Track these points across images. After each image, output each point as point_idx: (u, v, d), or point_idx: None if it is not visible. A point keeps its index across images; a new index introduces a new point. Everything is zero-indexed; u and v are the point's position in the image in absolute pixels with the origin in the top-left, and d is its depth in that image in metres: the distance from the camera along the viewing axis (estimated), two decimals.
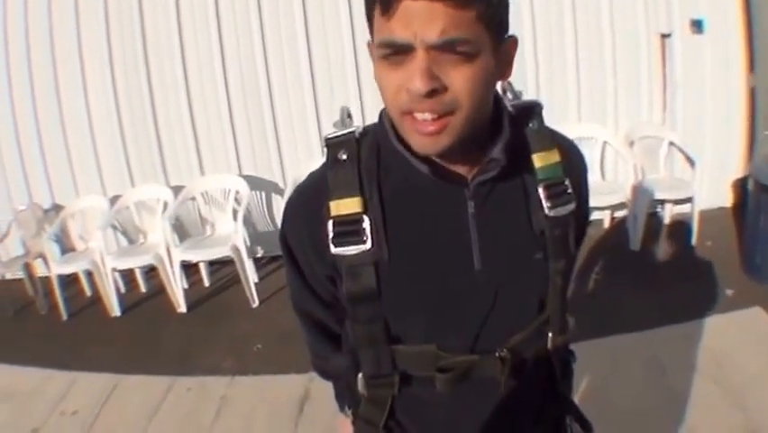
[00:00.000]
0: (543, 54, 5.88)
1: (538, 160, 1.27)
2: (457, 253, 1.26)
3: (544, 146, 1.29)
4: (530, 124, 1.29)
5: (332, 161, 1.26)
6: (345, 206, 1.22)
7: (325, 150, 1.28)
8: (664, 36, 5.96)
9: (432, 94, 1.05)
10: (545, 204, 1.26)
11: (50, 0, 5.57)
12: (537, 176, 1.27)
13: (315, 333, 1.55)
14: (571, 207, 1.29)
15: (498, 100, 1.25)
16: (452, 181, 1.22)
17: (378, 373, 1.33)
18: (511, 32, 1.18)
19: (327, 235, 1.23)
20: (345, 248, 1.22)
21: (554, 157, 1.29)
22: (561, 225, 1.29)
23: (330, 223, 1.23)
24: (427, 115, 1.08)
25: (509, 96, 1.30)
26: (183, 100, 5.70)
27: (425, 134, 1.10)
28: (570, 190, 1.29)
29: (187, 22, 5.59)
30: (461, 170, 1.24)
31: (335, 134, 1.29)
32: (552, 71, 5.93)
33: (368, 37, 1.17)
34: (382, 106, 1.23)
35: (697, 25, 5.94)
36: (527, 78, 5.83)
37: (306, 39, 5.62)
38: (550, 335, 1.39)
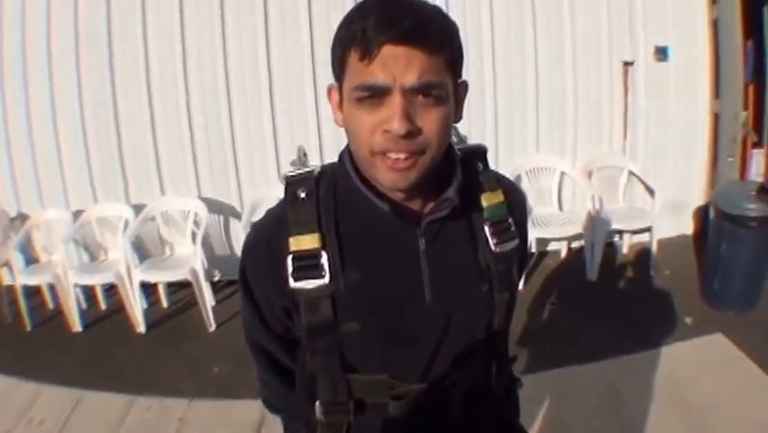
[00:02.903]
0: (502, 83, 5.86)
1: (485, 200, 1.39)
2: (409, 287, 1.33)
3: (490, 187, 1.41)
4: (476, 167, 1.41)
5: (291, 198, 1.32)
6: (304, 241, 1.29)
7: (285, 187, 1.35)
8: (627, 64, 5.93)
9: (408, 135, 1.14)
10: (491, 241, 1.37)
11: (23, 21, 5.57)
12: (484, 215, 1.38)
13: (265, 366, 1.60)
14: (515, 243, 1.41)
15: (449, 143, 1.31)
16: (407, 219, 1.30)
17: (334, 401, 1.39)
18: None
19: (287, 270, 1.29)
20: (304, 282, 1.28)
21: (499, 197, 1.41)
22: (505, 259, 1.40)
23: (290, 258, 1.29)
24: (401, 155, 1.16)
25: (455, 139, 1.37)
26: (147, 120, 5.69)
27: (397, 170, 1.18)
28: (513, 228, 1.42)
29: (153, 49, 5.60)
30: (416, 208, 1.32)
31: (294, 173, 1.37)
32: (511, 101, 5.91)
33: (329, 78, 1.27)
34: (340, 145, 1.33)
35: (662, 52, 5.91)
36: (486, 108, 5.83)
37: (267, 72, 5.64)
38: (495, 363, 1.51)
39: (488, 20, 5.70)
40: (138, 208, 5.66)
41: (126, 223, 5.61)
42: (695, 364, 4.36)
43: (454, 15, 1.21)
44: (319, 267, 1.27)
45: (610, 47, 5.92)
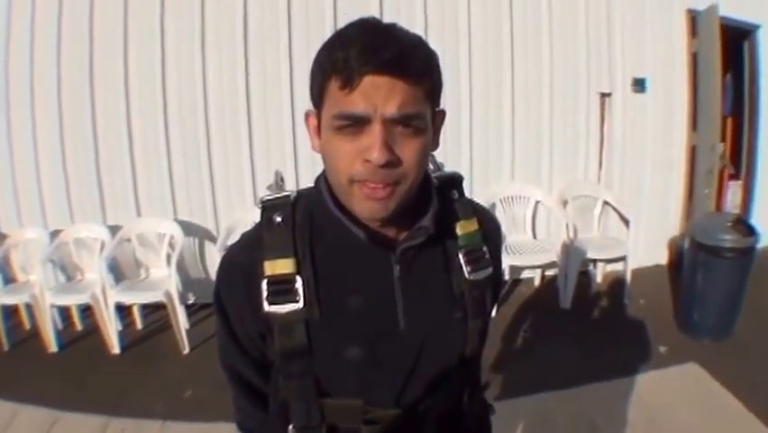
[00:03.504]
0: (478, 111, 5.92)
1: (460, 228, 1.39)
2: (383, 313, 1.33)
3: (465, 216, 1.41)
4: (452, 195, 1.42)
5: (267, 222, 1.32)
6: (279, 266, 1.28)
7: (261, 212, 1.34)
8: (605, 95, 5.97)
9: (387, 165, 1.14)
10: (466, 268, 1.37)
11: (6, 41, 5.62)
12: (459, 243, 1.39)
13: (240, 389, 1.56)
14: (489, 271, 1.42)
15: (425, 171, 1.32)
16: (382, 246, 1.30)
17: (307, 425, 1.37)
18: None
19: (261, 294, 1.28)
20: (278, 306, 1.27)
21: (474, 226, 1.41)
22: (479, 287, 1.40)
23: (264, 282, 1.28)
24: (379, 184, 1.17)
25: (431, 166, 1.38)
26: (125, 143, 5.73)
27: (375, 199, 1.18)
28: (487, 256, 1.42)
29: (133, 71, 5.64)
30: (391, 234, 1.32)
31: (271, 197, 1.36)
32: (487, 129, 5.97)
33: (306, 104, 1.26)
34: (316, 170, 1.32)
35: (639, 84, 5.97)
36: (461, 136, 5.88)
37: (246, 97, 5.70)
38: (467, 389, 1.50)
39: (465, 48, 5.78)
40: (114, 230, 5.68)
41: (103, 244, 5.61)
42: (669, 393, 4.36)
43: (433, 44, 1.22)
44: (294, 292, 1.27)
45: (588, 78, 6.00)
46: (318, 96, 1.22)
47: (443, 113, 1.31)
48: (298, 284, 1.28)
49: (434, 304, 1.37)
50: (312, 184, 1.39)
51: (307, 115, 1.30)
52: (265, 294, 1.28)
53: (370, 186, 1.17)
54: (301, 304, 1.28)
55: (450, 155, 5.72)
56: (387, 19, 1.21)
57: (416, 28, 5.27)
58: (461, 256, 1.38)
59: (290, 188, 1.41)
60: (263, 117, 5.74)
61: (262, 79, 5.67)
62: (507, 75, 5.90)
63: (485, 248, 1.42)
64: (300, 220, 1.33)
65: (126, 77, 5.65)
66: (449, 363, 1.41)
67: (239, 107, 5.71)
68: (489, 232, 1.48)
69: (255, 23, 5.62)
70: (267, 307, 1.28)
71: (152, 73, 5.64)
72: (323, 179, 1.33)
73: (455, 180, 1.45)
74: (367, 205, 1.20)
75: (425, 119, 1.19)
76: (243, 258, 1.35)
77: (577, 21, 5.95)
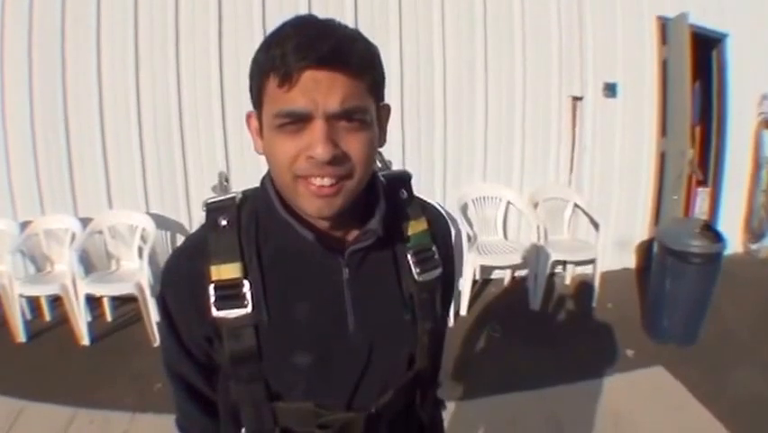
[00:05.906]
0: (451, 113, 5.95)
1: (408, 228, 1.38)
2: (333, 316, 1.31)
3: (414, 215, 1.40)
4: (400, 194, 1.40)
5: (212, 225, 1.29)
6: (226, 271, 1.25)
7: (205, 214, 1.31)
8: (576, 99, 6.03)
9: (333, 160, 1.11)
10: (414, 270, 1.36)
11: None
12: (407, 243, 1.37)
13: (185, 395, 1.53)
14: (438, 272, 1.40)
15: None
16: (331, 248, 1.27)
17: (260, 430, 1.35)
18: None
19: (209, 299, 1.25)
20: (226, 311, 1.25)
21: (422, 225, 1.40)
22: (428, 288, 1.38)
23: (211, 287, 1.25)
24: (326, 180, 1.14)
25: (379, 165, 1.37)
26: (97, 135, 5.71)
27: (321, 197, 1.16)
28: (437, 256, 1.40)
29: (105, 62, 5.63)
30: (339, 236, 1.30)
31: (215, 199, 1.32)
32: (460, 130, 6.01)
33: None
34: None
35: (610, 89, 6.03)
36: (435, 137, 5.92)
37: (219, 91, 5.73)
38: (420, 391, 1.48)
39: (440, 51, 5.78)
40: (86, 222, 5.64)
41: (73, 235, 5.58)
42: (635, 396, 4.40)
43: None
44: (241, 296, 1.25)
45: (560, 81, 6.07)
46: (257, 96, 1.19)
47: (387, 108, 1.29)
48: (246, 288, 1.26)
49: (384, 306, 1.36)
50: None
51: (248, 117, 1.27)
52: (212, 299, 1.26)
53: (317, 183, 1.15)
54: (249, 309, 1.25)
55: (423, 156, 5.80)
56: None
57: (390, 32, 5.37)
58: (409, 257, 1.37)
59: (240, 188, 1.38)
60: (237, 111, 5.69)
61: (235, 72, 5.66)
62: (480, 77, 5.94)
63: (434, 248, 1.41)
64: (246, 223, 1.30)
65: (99, 68, 5.62)
66: (399, 365, 1.40)
67: (212, 101, 5.71)
68: (438, 231, 1.46)
69: (229, 18, 5.64)
70: (215, 312, 1.26)
71: (125, 65, 5.62)
72: (268, 179, 1.30)
73: (403, 179, 1.43)
74: (313, 202, 1.18)
75: (369, 113, 1.16)
76: (189, 263, 1.33)
77: (549, 24, 6.02)
